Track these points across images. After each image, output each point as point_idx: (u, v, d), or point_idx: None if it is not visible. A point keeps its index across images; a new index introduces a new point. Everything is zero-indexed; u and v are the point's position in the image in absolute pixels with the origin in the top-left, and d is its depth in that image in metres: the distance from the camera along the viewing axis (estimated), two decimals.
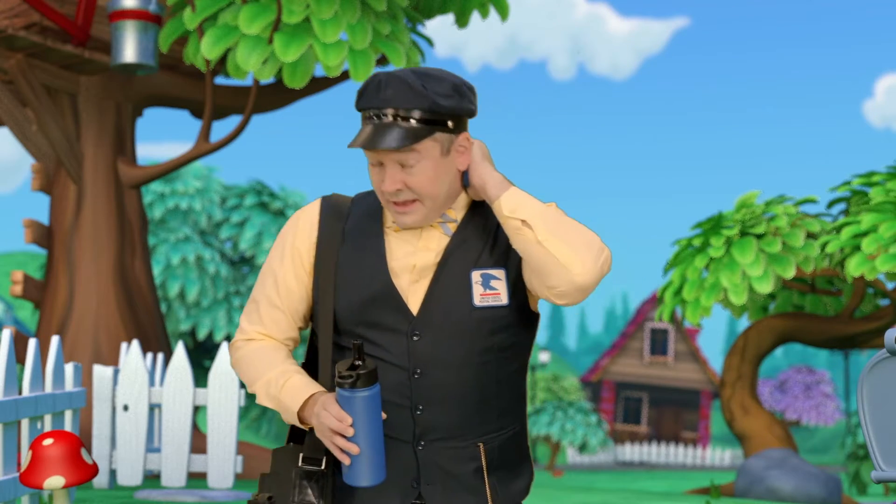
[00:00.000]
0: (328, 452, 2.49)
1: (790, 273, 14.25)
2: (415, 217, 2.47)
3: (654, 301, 58.84)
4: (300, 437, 2.63)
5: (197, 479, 11.81)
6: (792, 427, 54.36)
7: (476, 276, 2.49)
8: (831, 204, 15.61)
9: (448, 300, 2.48)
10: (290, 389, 2.47)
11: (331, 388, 2.55)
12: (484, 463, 2.51)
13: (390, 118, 2.41)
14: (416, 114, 2.41)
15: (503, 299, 2.49)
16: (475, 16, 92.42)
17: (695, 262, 14.83)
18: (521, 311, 2.53)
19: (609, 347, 59.43)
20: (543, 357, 54.89)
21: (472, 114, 2.50)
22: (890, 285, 15.99)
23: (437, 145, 2.45)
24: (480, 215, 2.55)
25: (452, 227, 2.52)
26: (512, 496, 2.56)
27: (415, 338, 2.47)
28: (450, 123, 2.45)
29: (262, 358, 2.54)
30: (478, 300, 2.48)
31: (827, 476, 14.43)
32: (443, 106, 2.43)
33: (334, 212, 2.56)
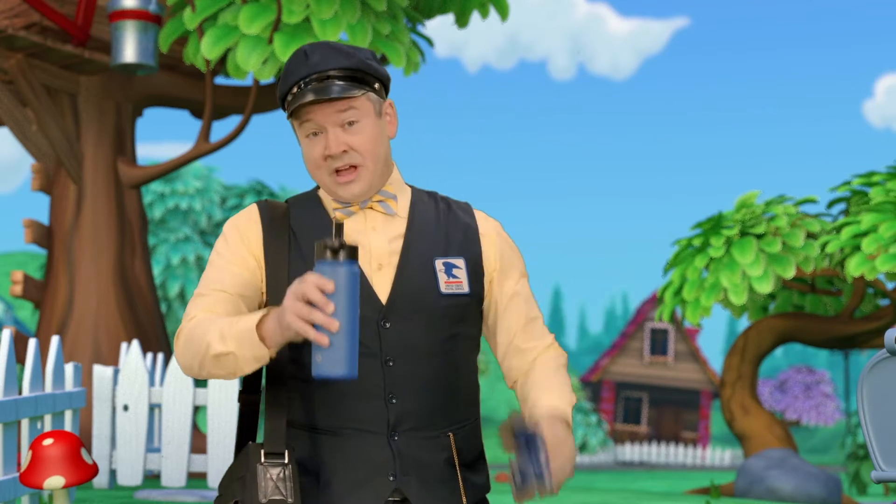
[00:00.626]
0: (289, 445, 2.43)
1: (790, 273, 14.25)
2: (360, 185, 2.47)
3: (654, 301, 58.84)
4: (255, 385, 2.52)
5: (197, 479, 11.81)
6: (792, 427, 54.37)
7: (439, 264, 2.50)
8: (831, 204, 15.61)
9: (416, 287, 2.47)
10: (246, 318, 2.34)
11: (279, 388, 2.47)
12: (454, 452, 2.50)
13: (323, 81, 2.44)
14: (348, 72, 2.45)
15: (465, 287, 2.51)
16: (475, 16, 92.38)
17: (695, 262, 14.83)
18: (479, 303, 2.55)
19: (609, 347, 59.42)
20: None
21: (389, 81, 2.56)
22: (890, 285, 15.99)
23: (372, 105, 2.48)
24: (425, 205, 2.57)
25: (393, 206, 2.52)
26: (478, 489, 2.55)
27: (386, 326, 2.45)
28: (377, 85, 2.50)
29: (213, 320, 2.41)
30: (444, 287, 2.49)
31: (827, 476, 14.43)
32: (370, 66, 2.48)
33: (274, 211, 2.54)
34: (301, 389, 2.49)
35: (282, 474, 2.40)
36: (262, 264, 2.51)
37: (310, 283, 2.16)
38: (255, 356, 2.32)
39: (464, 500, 2.50)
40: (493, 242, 2.58)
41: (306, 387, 2.49)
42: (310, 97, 2.41)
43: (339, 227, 2.20)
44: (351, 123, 2.45)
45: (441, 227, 2.55)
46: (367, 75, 2.47)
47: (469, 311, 2.52)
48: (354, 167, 2.47)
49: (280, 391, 2.47)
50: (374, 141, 2.46)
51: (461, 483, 2.51)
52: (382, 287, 2.47)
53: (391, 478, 2.45)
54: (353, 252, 2.19)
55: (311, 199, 2.57)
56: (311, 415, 2.48)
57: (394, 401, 2.45)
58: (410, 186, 2.61)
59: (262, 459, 2.41)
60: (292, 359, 2.50)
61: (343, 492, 2.45)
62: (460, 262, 2.52)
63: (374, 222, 2.52)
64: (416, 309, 2.46)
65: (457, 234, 2.55)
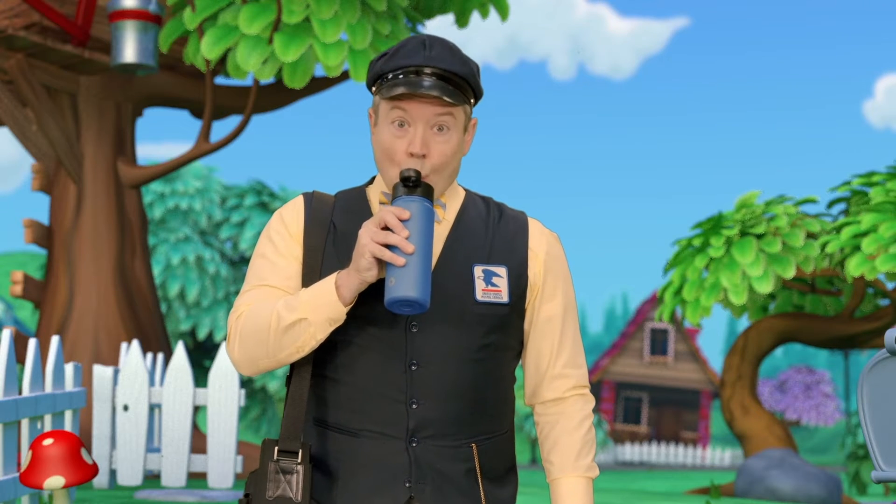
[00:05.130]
0: (305, 443, 2.39)
1: (790, 273, 14.25)
2: None
3: (654, 301, 58.85)
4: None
5: (197, 479, 11.81)
6: (792, 427, 54.38)
7: (478, 271, 2.43)
8: (831, 204, 15.61)
9: (450, 292, 2.41)
10: (313, 286, 2.32)
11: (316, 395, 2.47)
12: (477, 464, 2.45)
13: (433, 78, 2.37)
14: (459, 79, 2.39)
15: (504, 297, 2.44)
16: (475, 16, 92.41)
17: (695, 262, 14.83)
18: (519, 314, 2.48)
19: (609, 347, 59.42)
20: None
21: (481, 98, 2.51)
22: (890, 285, 15.99)
23: (464, 118, 2.43)
24: (476, 210, 2.51)
25: (441, 214, 2.47)
26: (502, 502, 2.50)
27: (413, 329, 2.39)
28: (472, 101, 2.45)
29: (269, 302, 2.39)
30: (480, 295, 2.42)
31: (827, 476, 14.43)
32: (476, 80, 2.43)
33: (319, 203, 2.50)
34: (324, 387, 2.45)
35: (293, 472, 2.37)
36: (300, 256, 2.46)
37: (386, 210, 2.21)
38: (330, 317, 2.30)
39: None
40: (540, 260, 2.51)
41: (329, 384, 2.44)
42: (419, 89, 2.34)
43: (417, 172, 2.27)
44: (441, 129, 2.39)
45: (487, 234, 2.48)
46: (470, 88, 2.42)
47: (508, 322, 2.45)
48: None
49: (300, 387, 2.42)
50: (453, 154, 2.40)
51: (483, 496, 2.45)
52: None
53: (407, 484, 2.40)
54: (427, 190, 2.25)
55: (357, 197, 2.51)
56: (332, 414, 2.44)
57: (414, 406, 2.40)
58: (466, 190, 2.55)
59: (275, 456, 2.38)
60: (317, 356, 2.46)
61: (360, 495, 2.41)
62: (502, 270, 2.45)
63: None
64: (448, 314, 2.40)
65: (502, 243, 2.48)
